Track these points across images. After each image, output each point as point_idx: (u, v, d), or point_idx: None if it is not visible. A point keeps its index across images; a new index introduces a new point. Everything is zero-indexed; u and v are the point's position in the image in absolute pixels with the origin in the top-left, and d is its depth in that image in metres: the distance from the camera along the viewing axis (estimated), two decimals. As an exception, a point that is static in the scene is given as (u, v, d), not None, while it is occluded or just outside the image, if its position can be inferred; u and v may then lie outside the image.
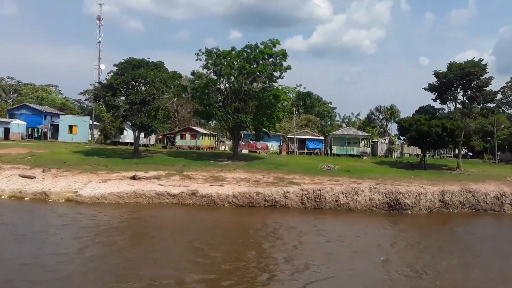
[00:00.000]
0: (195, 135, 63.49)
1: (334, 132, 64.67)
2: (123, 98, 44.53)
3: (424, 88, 47.33)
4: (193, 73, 46.65)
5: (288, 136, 63.33)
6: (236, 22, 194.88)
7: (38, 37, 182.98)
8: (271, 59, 44.87)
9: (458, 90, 46.22)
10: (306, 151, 61.65)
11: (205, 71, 44.73)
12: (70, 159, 44.29)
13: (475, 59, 46.26)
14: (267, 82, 46.04)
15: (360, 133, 63.80)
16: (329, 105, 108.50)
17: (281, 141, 64.46)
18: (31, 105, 72.98)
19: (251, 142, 61.74)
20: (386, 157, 61.37)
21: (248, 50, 44.27)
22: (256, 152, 61.47)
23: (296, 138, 62.42)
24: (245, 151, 61.55)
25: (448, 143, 45.60)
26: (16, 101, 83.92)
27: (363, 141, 62.44)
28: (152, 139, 69.23)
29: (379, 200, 34.78)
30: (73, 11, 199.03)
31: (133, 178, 37.03)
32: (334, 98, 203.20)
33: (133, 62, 45.44)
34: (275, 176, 38.89)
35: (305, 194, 34.69)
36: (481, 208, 36.38)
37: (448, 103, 46.81)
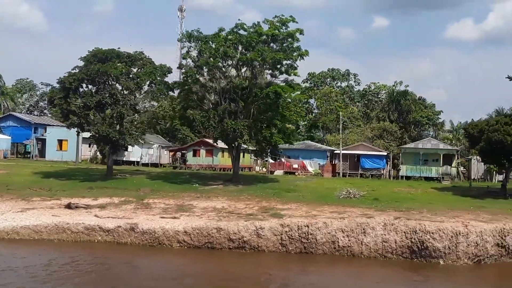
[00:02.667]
0: (211, 150, 62.86)
1: (405, 146, 60.45)
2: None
3: (508, 77, 42.22)
4: (180, 66, 46.28)
5: (336, 152, 60.36)
6: (380, 6, 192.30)
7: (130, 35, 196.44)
8: (276, 43, 42.96)
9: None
10: (360, 171, 58.19)
11: (189, 61, 44.02)
12: (20, 181, 45.86)
13: None
14: (277, 74, 44.18)
15: (441, 146, 58.86)
16: (434, 109, 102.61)
17: (328, 158, 61.67)
18: (18, 115, 77.50)
19: (282, 160, 59.83)
20: (481, 181, 56.11)
21: (242, 30, 42.89)
22: (294, 173, 59.37)
23: (346, 154, 59.22)
24: (279, 172, 59.82)
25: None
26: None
27: (447, 159, 57.60)
28: (165, 157, 69.92)
29: (396, 242, 31.23)
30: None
31: (68, 206, 37.18)
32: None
33: (99, 54, 46.13)
34: (263, 206, 36.99)
35: (286, 231, 32.20)
36: None
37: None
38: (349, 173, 58.93)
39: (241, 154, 60.72)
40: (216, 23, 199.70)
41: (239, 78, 44.07)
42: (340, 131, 64.41)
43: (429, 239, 30.57)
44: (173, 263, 30.11)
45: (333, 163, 60.69)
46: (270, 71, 44.31)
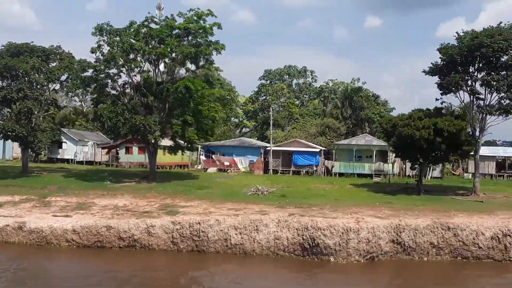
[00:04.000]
0: (144, 148, 61.59)
1: (338, 142, 59.94)
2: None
3: (424, 72, 41.86)
4: (96, 61, 45.14)
5: (268, 148, 59.67)
6: (374, 5, 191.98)
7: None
8: (190, 37, 42.15)
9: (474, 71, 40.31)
10: (293, 168, 57.56)
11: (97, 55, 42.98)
12: None
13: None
14: (194, 69, 43.39)
15: (375, 142, 58.44)
16: (388, 106, 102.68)
17: (262, 155, 60.95)
18: None
19: (213, 157, 59.05)
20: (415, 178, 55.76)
21: (152, 24, 41.97)
22: (226, 171, 58.59)
23: (279, 150, 58.56)
24: (212, 169, 59.02)
25: (448, 154, 39.63)
26: None
27: (383, 155, 57.23)
28: (102, 155, 68.61)
29: (288, 239, 30.58)
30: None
31: (-39, 205, 35.90)
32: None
33: (12, 48, 44.96)
34: (165, 204, 36.26)
35: (177, 229, 31.39)
36: (471, 255, 30.80)
37: (460, 93, 40.88)
38: (281, 170, 58.23)
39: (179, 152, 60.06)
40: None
41: (154, 73, 42.95)
42: (270, 128, 63.69)
43: (320, 236, 29.97)
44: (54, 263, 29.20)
45: (266, 160, 59.89)
46: (185, 66, 43.19)
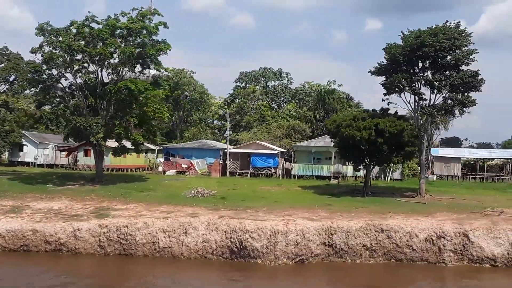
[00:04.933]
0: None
1: (297, 144, 59.52)
2: None
3: (370, 72, 41.45)
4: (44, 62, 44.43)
5: (226, 150, 59.10)
6: (374, 9, 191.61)
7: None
8: (133, 37, 41.56)
9: (418, 70, 39.94)
10: (251, 171, 57.04)
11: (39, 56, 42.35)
12: None
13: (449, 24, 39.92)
14: (139, 69, 42.82)
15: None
16: (361, 107, 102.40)
17: (221, 157, 60.37)
18: None
19: (170, 159, 58.44)
20: (375, 180, 55.54)
21: (94, 24, 41.37)
22: (184, 173, 58.03)
23: (236, 152, 58.03)
24: (171, 172, 58.41)
25: (391, 155, 39.27)
26: None
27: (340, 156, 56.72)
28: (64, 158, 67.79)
29: (216, 242, 30.09)
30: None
31: None
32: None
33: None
34: (100, 207, 35.72)
35: (104, 232, 30.77)
36: (405, 258, 30.39)
37: (404, 94, 40.49)
38: (239, 172, 57.68)
39: (136, 154, 59.48)
40: (207, 25, 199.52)
41: (98, 73, 42.34)
42: (227, 129, 63.12)
43: (247, 238, 29.51)
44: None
45: (226, 162, 59.31)
46: (131, 67, 42.57)
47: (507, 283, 28.20)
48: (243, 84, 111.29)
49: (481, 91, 39.19)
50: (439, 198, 40.05)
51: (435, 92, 39.03)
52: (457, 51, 38.81)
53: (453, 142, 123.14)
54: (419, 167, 72.13)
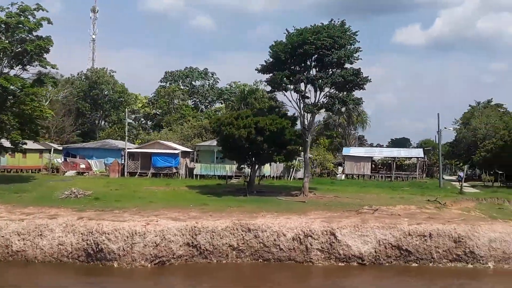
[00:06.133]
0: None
1: (200, 144, 58.76)
2: None
3: (256, 70, 40.99)
4: None
5: (131, 150, 57.73)
6: (333, 11, 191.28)
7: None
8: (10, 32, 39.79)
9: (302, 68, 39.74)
10: (152, 171, 55.83)
11: None
12: None
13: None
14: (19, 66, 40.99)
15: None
16: (286, 106, 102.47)
17: (122, 157, 58.95)
18: None
19: (68, 160, 56.65)
20: (279, 179, 55.47)
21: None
22: (83, 174, 56.27)
23: (138, 152, 56.73)
24: (71, 172, 56.52)
25: (273, 154, 38.94)
26: None
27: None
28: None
29: (72, 244, 28.85)
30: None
31: None
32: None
33: None
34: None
35: (-51, 237, 28.94)
36: (272, 257, 29.90)
37: (291, 92, 40.23)
38: (139, 172, 56.39)
39: (39, 155, 57.31)
40: (168, 27, 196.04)
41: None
42: (126, 130, 61.67)
43: (104, 240, 28.47)
44: None
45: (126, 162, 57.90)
46: (7, 63, 40.70)
47: (373, 280, 28.11)
48: (167, 84, 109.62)
49: (364, 89, 39.32)
50: (322, 197, 40.01)
51: (317, 90, 38.77)
52: (341, 49, 38.63)
53: (402, 143, 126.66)
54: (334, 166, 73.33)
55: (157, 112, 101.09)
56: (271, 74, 39.73)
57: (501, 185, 62.78)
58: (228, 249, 29.85)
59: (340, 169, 70.59)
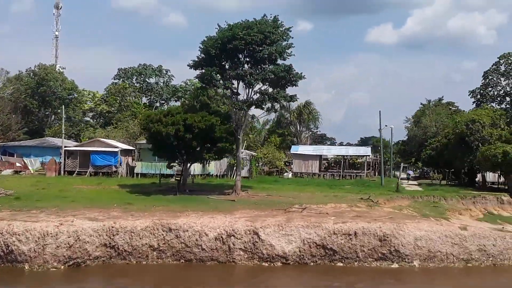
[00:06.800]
0: None
1: (140, 142, 57.74)
2: None
3: (188, 66, 40.25)
4: None
5: (71, 148, 56.41)
6: (305, 10, 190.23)
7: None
8: None
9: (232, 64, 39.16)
10: (91, 170, 54.63)
11: None
12: None
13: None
14: None
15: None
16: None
17: (62, 155, 57.56)
18: None
19: (3, 158, 55.07)
20: (222, 178, 54.85)
21: None
22: (19, 173, 54.78)
23: (76, 150, 55.47)
24: (7, 171, 54.91)
25: (202, 152, 38.38)
26: None
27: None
28: None
29: (-22, 246, 27.55)
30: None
31: None
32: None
33: None
34: None
35: None
36: (194, 258, 29.37)
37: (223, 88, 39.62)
38: (77, 171, 55.10)
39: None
40: (139, 25, 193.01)
41: None
42: (62, 127, 60.37)
43: (14, 241, 27.41)
44: None
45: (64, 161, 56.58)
46: None
47: (296, 280, 27.71)
48: (121, 81, 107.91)
49: (297, 86, 38.99)
50: (254, 195, 39.64)
51: (249, 87, 38.28)
52: (273, 45, 38.16)
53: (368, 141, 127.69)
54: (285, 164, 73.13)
55: (111, 110, 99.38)
56: (203, 70, 38.88)
57: (448, 183, 63.57)
58: (148, 249, 29.10)
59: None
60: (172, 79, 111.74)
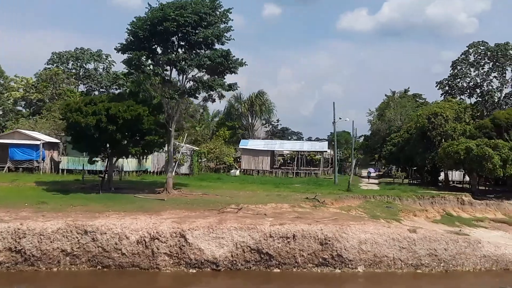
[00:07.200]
0: None
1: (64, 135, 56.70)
2: None
3: (115, 49, 39.53)
4: None
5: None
6: None
7: None
8: None
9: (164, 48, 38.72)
10: (9, 165, 53.38)
11: None
12: None
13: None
14: None
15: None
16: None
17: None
18: None
19: None
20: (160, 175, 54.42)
21: None
22: None
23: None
24: None
25: (128, 146, 37.87)
26: None
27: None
28: None
29: None
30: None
31: None
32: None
33: None
34: None
35: None
36: (113, 263, 28.90)
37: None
38: (-4, 167, 53.88)
39: None
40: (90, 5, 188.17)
41: None
42: None
43: None
44: None
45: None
46: None
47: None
48: (54, 66, 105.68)
49: (237, 73, 38.74)
50: (188, 194, 39.43)
51: (182, 73, 37.87)
52: (210, 28, 37.80)
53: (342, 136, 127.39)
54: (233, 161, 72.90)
55: (43, 98, 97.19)
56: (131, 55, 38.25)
57: (410, 182, 64.28)
58: (60, 254, 28.46)
59: None
60: (113, 65, 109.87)
